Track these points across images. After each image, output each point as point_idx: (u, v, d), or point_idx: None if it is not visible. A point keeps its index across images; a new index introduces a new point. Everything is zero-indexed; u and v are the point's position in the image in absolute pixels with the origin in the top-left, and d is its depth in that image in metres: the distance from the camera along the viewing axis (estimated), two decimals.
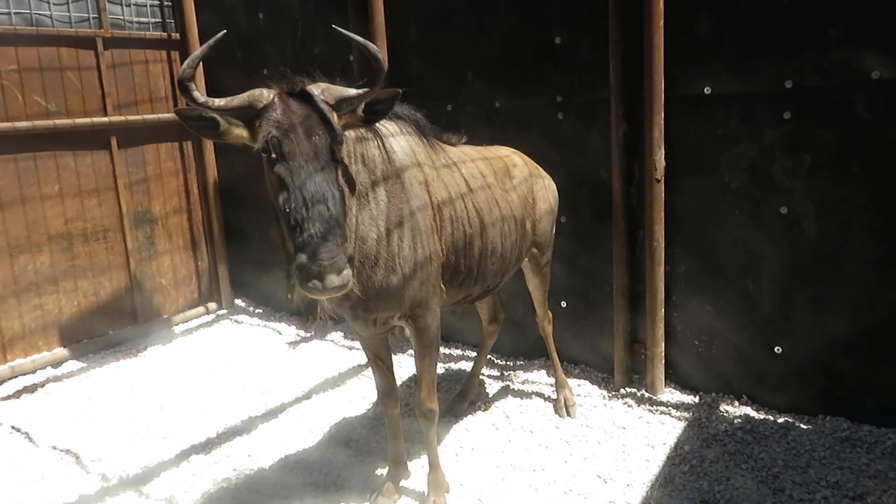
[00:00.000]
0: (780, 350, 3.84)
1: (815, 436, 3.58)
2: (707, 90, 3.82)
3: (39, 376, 4.95)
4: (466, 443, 3.74)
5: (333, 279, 2.23)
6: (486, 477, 3.41)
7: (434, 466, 3.19)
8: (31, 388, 4.75)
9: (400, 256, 2.81)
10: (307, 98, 2.43)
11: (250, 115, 2.43)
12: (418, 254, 2.86)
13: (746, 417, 3.82)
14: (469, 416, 4.03)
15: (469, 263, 3.19)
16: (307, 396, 4.43)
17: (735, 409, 3.91)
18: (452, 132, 3.48)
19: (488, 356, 4.75)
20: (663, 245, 4.02)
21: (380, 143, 2.87)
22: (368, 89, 2.51)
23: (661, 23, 3.77)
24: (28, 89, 5.02)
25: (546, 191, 3.86)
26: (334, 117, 2.44)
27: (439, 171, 3.11)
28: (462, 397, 4.16)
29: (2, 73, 4.87)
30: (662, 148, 3.92)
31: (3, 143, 4.87)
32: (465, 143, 3.56)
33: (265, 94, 2.44)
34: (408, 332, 3.09)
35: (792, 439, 3.58)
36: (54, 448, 3.92)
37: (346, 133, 2.66)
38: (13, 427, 4.18)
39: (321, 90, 2.49)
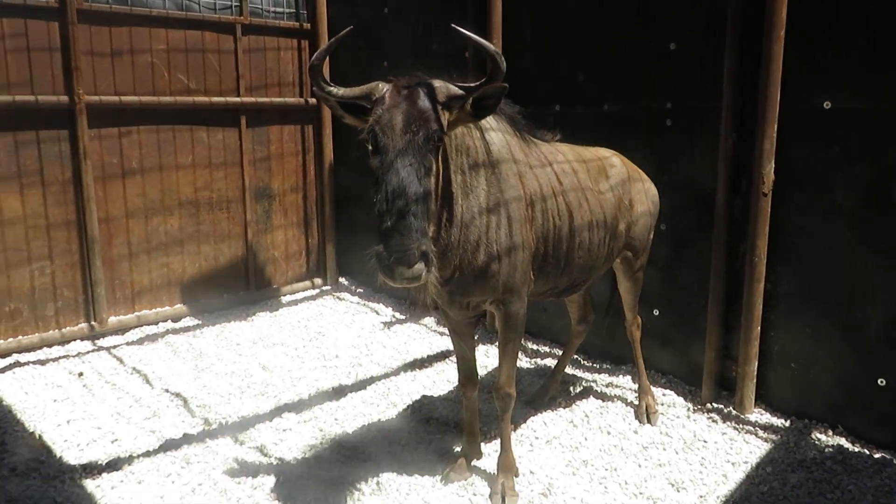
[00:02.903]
0: (884, 383, 3.65)
1: None
2: (826, 105, 3.68)
3: (161, 327, 5.45)
4: (542, 435, 3.81)
5: (403, 271, 2.37)
6: (558, 469, 3.47)
7: (506, 450, 3.29)
8: (152, 337, 5.24)
9: (497, 242, 2.95)
10: (418, 94, 2.58)
11: (366, 106, 2.62)
12: (513, 240, 2.99)
13: (839, 448, 3.66)
14: (549, 410, 4.10)
15: (556, 255, 3.28)
16: (395, 373, 4.64)
17: (827, 439, 3.75)
18: (547, 130, 3.55)
19: (575, 356, 4.79)
20: (765, 261, 3.92)
21: (481, 136, 3.01)
22: (476, 84, 2.63)
23: (782, 33, 3.68)
24: (173, 68, 5.51)
25: (645, 195, 3.86)
26: (442, 115, 2.58)
27: (532, 165, 3.21)
28: (544, 391, 4.23)
29: (153, 51, 5.39)
30: (773, 161, 3.82)
31: (148, 115, 5.38)
32: (560, 141, 3.62)
33: (380, 88, 2.63)
34: (496, 318, 3.22)
35: (887, 476, 3.41)
36: (166, 391, 4.32)
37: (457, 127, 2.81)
38: (134, 369, 4.64)
39: (434, 87, 2.62)
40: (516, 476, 3.32)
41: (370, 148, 2.57)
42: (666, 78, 4.28)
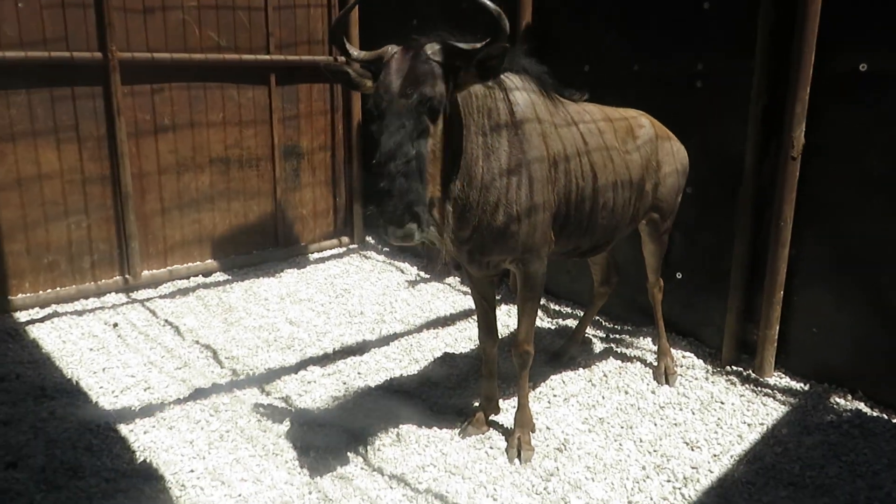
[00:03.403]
0: None
1: None
2: (862, 67, 3.59)
3: (192, 282, 5.60)
4: (560, 393, 3.88)
5: (395, 231, 2.46)
6: (574, 426, 3.54)
7: (523, 406, 3.36)
8: (184, 291, 5.39)
9: (517, 203, 2.97)
10: (417, 57, 2.59)
11: (379, 69, 2.67)
12: (534, 202, 3.02)
13: (857, 412, 3.67)
14: (568, 370, 4.15)
15: (579, 216, 3.29)
16: (418, 330, 4.73)
17: (846, 403, 3.76)
18: (574, 90, 3.53)
19: (596, 317, 4.82)
20: (791, 226, 3.88)
21: (504, 96, 3.01)
22: (479, 46, 2.61)
23: None
24: (204, 25, 5.55)
25: (673, 156, 3.82)
26: (442, 78, 2.59)
27: (557, 125, 3.20)
28: (564, 351, 4.29)
29: (184, 8, 5.42)
30: (803, 125, 3.75)
31: (180, 72, 5.44)
32: (587, 101, 3.59)
33: (389, 51, 2.68)
34: (516, 277, 3.26)
35: None
36: (197, 342, 4.48)
37: (475, 87, 2.82)
38: (167, 321, 4.80)
39: (436, 49, 2.63)
40: (532, 431, 3.40)
41: (374, 112, 2.63)
42: (698, 38, 4.20)
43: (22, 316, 4.79)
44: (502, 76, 2.99)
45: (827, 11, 3.60)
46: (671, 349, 4.20)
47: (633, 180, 3.53)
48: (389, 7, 6.21)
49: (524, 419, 3.35)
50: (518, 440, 3.27)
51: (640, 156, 3.59)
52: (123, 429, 3.44)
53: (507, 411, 3.65)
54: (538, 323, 4.87)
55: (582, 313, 4.64)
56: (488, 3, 2.57)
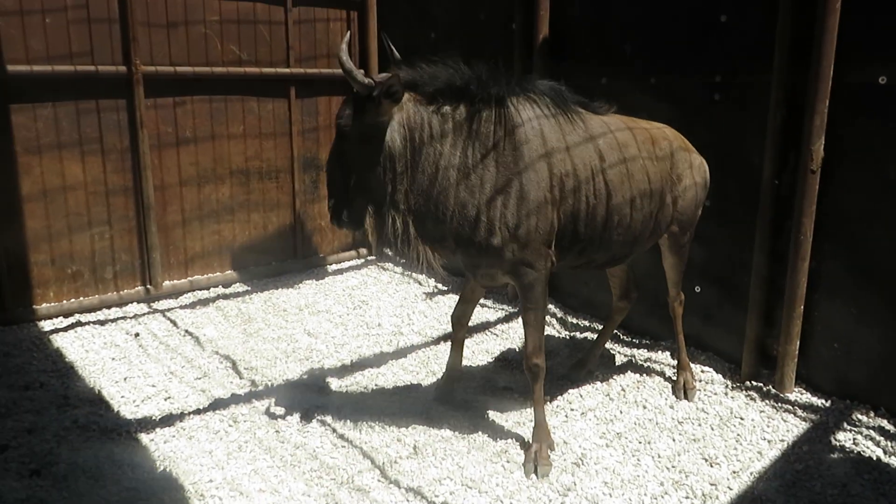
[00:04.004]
0: None
1: None
2: (882, 80, 3.57)
3: (212, 292, 5.66)
4: (577, 407, 3.87)
5: (332, 221, 3.22)
6: (591, 440, 3.53)
7: (539, 420, 3.35)
8: (204, 302, 5.45)
9: (501, 221, 3.08)
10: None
11: None
12: (521, 220, 3.09)
13: (880, 430, 3.62)
14: (586, 383, 4.14)
15: (590, 232, 3.31)
16: (435, 343, 4.74)
17: (869, 420, 3.71)
18: (603, 102, 3.53)
19: (615, 331, 4.79)
20: (811, 240, 3.85)
21: (500, 118, 3.11)
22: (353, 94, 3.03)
23: (838, 4, 3.57)
24: (226, 39, 5.63)
25: (693, 169, 3.79)
26: (348, 106, 3.06)
27: (569, 144, 3.23)
28: (581, 365, 4.27)
29: (207, 23, 5.51)
30: (823, 138, 3.73)
31: (202, 85, 5.52)
32: (616, 113, 3.60)
33: None
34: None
35: None
36: (216, 353, 4.51)
37: (457, 111, 3.10)
38: (187, 331, 4.85)
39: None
40: (551, 449, 3.37)
41: None
42: (716, 51, 4.20)
43: (46, 325, 4.87)
44: (507, 98, 3.15)
45: (846, 25, 3.59)
46: (690, 363, 4.17)
47: (654, 194, 3.52)
48: (408, 20, 6.25)
49: (541, 434, 3.34)
50: (535, 454, 3.26)
51: (659, 169, 3.58)
52: (144, 438, 3.48)
53: (524, 425, 3.64)
54: (555, 335, 4.86)
55: (600, 326, 4.62)
56: (345, 63, 2.92)
